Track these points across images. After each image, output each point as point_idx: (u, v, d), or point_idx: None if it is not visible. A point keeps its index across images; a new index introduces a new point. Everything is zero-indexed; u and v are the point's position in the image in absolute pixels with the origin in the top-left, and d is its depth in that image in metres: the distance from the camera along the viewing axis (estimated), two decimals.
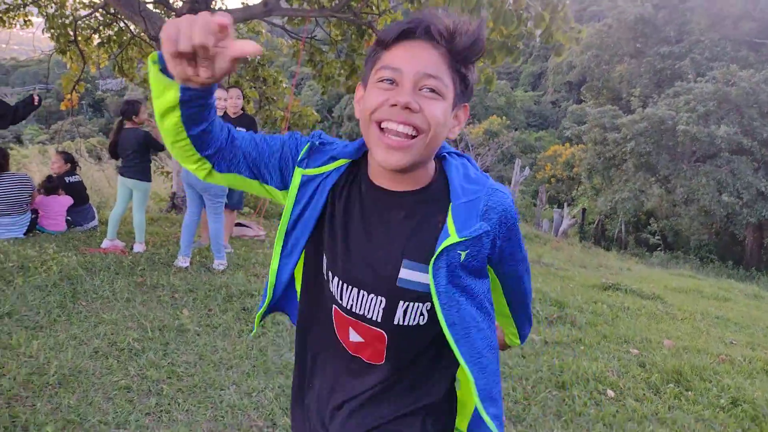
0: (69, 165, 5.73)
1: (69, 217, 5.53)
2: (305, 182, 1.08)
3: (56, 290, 3.75)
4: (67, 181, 5.60)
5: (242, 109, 5.56)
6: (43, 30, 9.55)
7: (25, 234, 5.01)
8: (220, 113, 4.74)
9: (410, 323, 1.06)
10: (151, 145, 5.13)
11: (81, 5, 10.26)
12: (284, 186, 1.12)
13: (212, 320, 3.73)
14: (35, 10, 9.86)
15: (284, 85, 10.76)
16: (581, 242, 15.03)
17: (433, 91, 0.96)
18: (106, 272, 4.26)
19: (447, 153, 1.09)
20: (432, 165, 1.07)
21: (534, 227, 15.30)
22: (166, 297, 4.03)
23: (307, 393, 1.22)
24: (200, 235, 5.69)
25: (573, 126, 24.45)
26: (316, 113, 11.10)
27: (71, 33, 9.48)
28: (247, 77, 10.40)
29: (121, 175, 5.20)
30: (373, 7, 8.31)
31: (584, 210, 18.82)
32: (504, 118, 31.96)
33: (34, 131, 32.15)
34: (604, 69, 28.65)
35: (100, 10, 9.42)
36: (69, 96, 10.32)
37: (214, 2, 8.39)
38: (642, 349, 4.47)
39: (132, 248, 5.15)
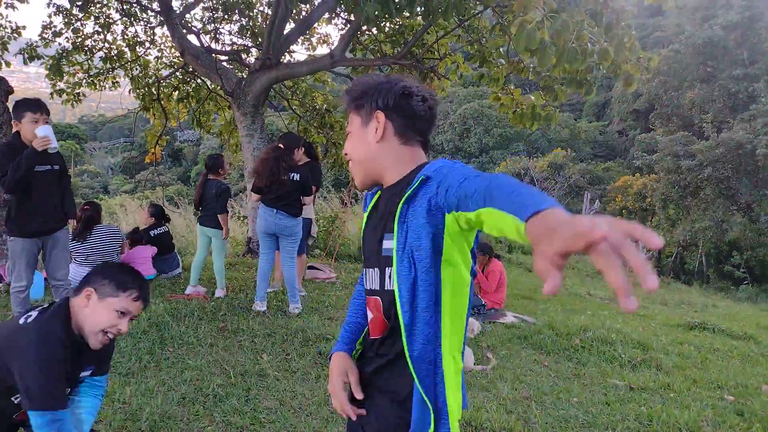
0: (153, 219, 6.14)
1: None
2: None
3: (145, 337, 3.96)
4: (152, 234, 5.98)
5: (309, 156, 5.76)
6: (129, 90, 10.36)
7: None
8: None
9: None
10: (223, 198, 5.34)
11: (163, 66, 11.12)
12: None
13: (291, 365, 3.81)
14: (122, 72, 10.73)
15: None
16: (660, 277, 14.26)
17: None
18: (190, 318, 4.47)
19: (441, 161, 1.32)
20: (404, 168, 1.38)
21: None
22: (246, 342, 4.17)
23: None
24: (273, 278, 5.88)
25: (643, 155, 23.59)
26: None
27: (154, 92, 10.24)
28: (315, 124, 10.81)
29: (201, 224, 5.48)
30: (435, 52, 8.50)
31: None
32: (569, 150, 31.32)
33: (119, 181, 34.48)
34: (673, 95, 27.67)
35: (180, 69, 10.16)
36: (153, 150, 11.12)
37: (283, 57, 8.88)
38: (738, 395, 4.16)
39: (213, 293, 5.39)
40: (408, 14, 5.26)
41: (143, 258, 5.64)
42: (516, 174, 26.00)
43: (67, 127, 58.70)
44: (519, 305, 7.10)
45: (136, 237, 5.94)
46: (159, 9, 8.80)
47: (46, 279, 4.55)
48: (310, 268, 6.82)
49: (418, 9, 5.48)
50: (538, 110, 7.51)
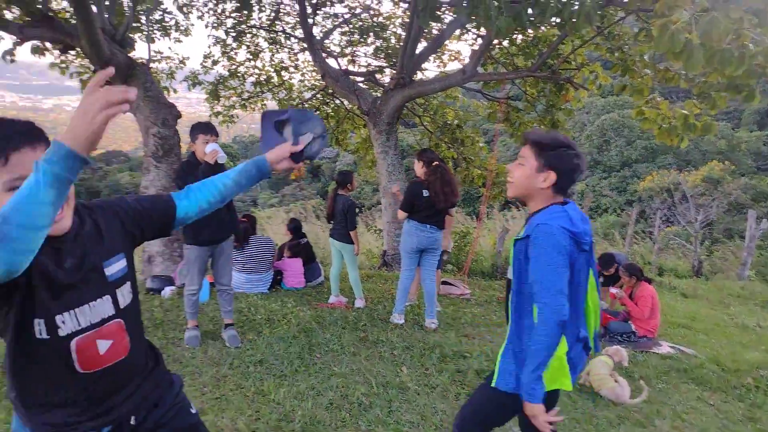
0: (291, 234, 6.59)
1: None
2: None
3: (296, 342, 4.19)
4: (301, 243, 6.40)
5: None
6: None
7: (269, 289, 5.79)
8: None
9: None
10: (351, 214, 5.48)
11: (306, 88, 11.90)
12: None
13: (430, 380, 3.79)
14: (269, 95, 11.64)
15: (480, 145, 10.98)
16: None
17: None
18: (334, 326, 4.66)
19: None
20: (542, 204, 2.01)
21: None
22: (386, 353, 4.24)
23: None
24: (409, 292, 5.94)
25: None
26: None
27: None
28: (446, 139, 10.85)
29: (331, 236, 5.68)
30: (571, 62, 8.12)
31: None
32: (727, 163, 28.13)
33: (266, 196, 37.40)
34: None
35: (321, 91, 10.80)
36: (297, 167, 11.90)
37: (416, 75, 9.05)
38: None
39: (353, 303, 5.58)
40: (540, 25, 5.07)
41: (297, 269, 6.03)
42: (665, 190, 23.87)
43: (222, 147, 65.19)
44: (675, 334, 6.44)
45: (296, 249, 6.38)
46: (302, 36, 9.41)
47: (212, 284, 5.03)
48: (444, 283, 6.79)
49: (552, 20, 5.27)
50: (692, 120, 6.82)
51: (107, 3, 7.20)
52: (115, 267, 1.42)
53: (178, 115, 7.53)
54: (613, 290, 6.04)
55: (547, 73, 7.86)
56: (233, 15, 10.34)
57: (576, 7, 4.81)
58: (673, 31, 3.87)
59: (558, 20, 5.34)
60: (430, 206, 4.93)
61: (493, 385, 1.94)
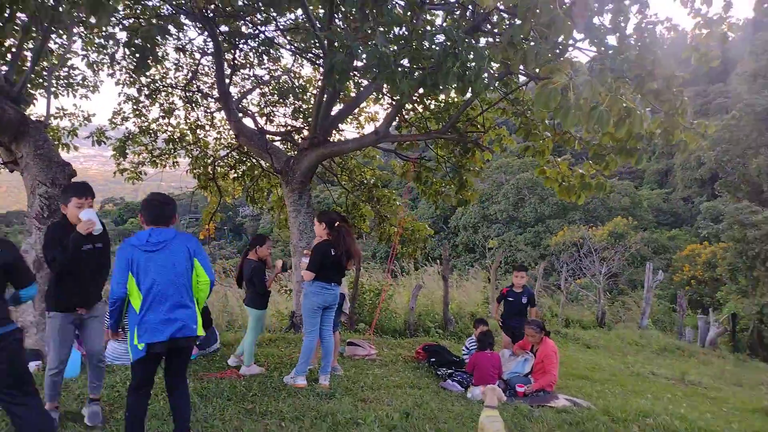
0: None
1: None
2: None
3: (170, 420, 3.88)
4: None
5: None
6: (187, 171, 10.95)
7: None
8: None
9: None
10: (254, 280, 5.41)
11: (221, 147, 11.75)
12: None
13: None
14: (182, 152, 11.37)
15: (398, 203, 11.19)
16: (734, 354, 13.06)
17: None
18: (218, 399, 4.40)
19: None
20: None
21: (676, 337, 13.65)
22: (273, 426, 4.04)
23: None
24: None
25: (709, 225, 22.40)
26: (428, 228, 11.30)
27: (210, 171, 10.77)
28: (363, 198, 10.98)
29: (243, 301, 5.58)
30: (478, 125, 8.56)
31: (734, 315, 16.53)
32: (630, 218, 30.23)
33: None
34: (738, 162, 26.49)
35: (236, 149, 10.72)
36: (207, 226, 11.60)
37: (332, 136, 9.20)
38: None
39: (240, 370, 5.35)
40: (442, 89, 5.35)
41: None
42: (573, 244, 25.16)
43: (136, 206, 62.72)
44: (573, 386, 6.63)
45: None
46: (218, 96, 9.37)
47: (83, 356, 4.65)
48: (350, 344, 6.68)
49: (453, 85, 5.57)
50: (587, 179, 7.34)
51: (8, 58, 6.88)
52: None
53: (72, 174, 7.16)
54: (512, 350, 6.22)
55: (454, 135, 8.24)
56: (148, 74, 10.19)
57: (475, 73, 5.08)
58: (550, 90, 4.16)
59: (459, 84, 5.65)
60: (337, 264, 5.08)
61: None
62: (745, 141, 25.90)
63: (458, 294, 12.47)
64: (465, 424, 4.45)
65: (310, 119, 10.37)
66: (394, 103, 8.46)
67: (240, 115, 9.24)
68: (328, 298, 5.11)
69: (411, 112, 9.74)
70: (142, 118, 10.65)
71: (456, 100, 9.00)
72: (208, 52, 9.55)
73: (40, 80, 9.09)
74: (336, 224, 5.17)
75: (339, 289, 5.22)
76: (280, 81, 10.75)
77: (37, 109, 9.05)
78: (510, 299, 6.94)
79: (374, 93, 9.05)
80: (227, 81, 9.05)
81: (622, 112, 4.88)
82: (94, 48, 9.45)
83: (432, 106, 9.42)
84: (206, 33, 8.37)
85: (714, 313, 15.41)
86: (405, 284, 12.37)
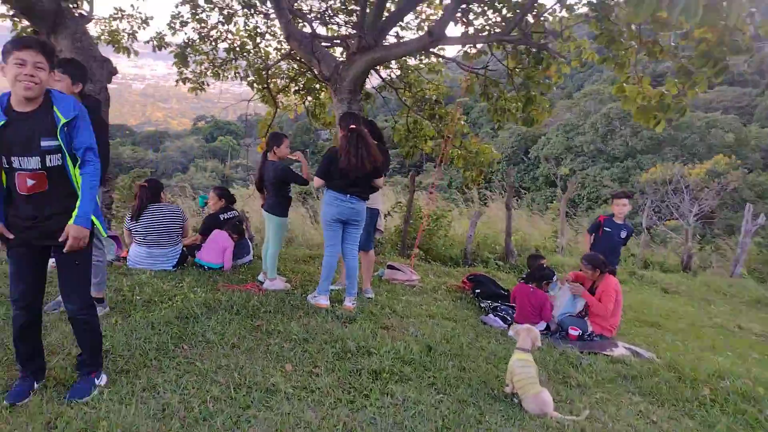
0: (223, 201, 5.86)
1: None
2: None
3: (166, 329, 3.57)
4: (221, 218, 5.71)
5: (375, 139, 5.09)
6: (241, 78, 10.51)
7: (174, 267, 5.14)
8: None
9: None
10: (289, 179, 4.95)
11: (282, 57, 11.15)
12: None
13: (312, 382, 3.17)
14: (244, 62, 10.89)
15: (462, 123, 10.25)
16: None
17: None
18: (225, 312, 4.03)
19: None
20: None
21: None
22: (275, 346, 3.61)
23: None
24: (339, 274, 5.35)
25: None
26: (495, 151, 10.36)
27: (265, 78, 10.23)
28: (424, 116, 10.13)
29: (262, 208, 5.15)
30: (543, 30, 7.34)
31: None
32: (733, 157, 27.14)
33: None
34: None
35: (287, 57, 10.08)
36: (263, 139, 11.23)
37: (385, 40, 8.30)
38: None
39: (263, 283, 4.98)
40: None
41: (213, 244, 5.33)
42: (665, 182, 22.99)
43: (226, 124, 64.54)
44: (639, 334, 5.79)
45: (205, 226, 5.69)
46: None
47: None
48: (390, 267, 6.16)
49: None
50: (668, 100, 6.12)
51: None
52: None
53: (113, 72, 6.89)
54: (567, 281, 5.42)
55: (521, 38, 7.12)
56: None
57: None
58: None
59: None
60: (345, 175, 4.45)
61: None
62: None
63: (526, 226, 11.58)
64: (496, 365, 3.84)
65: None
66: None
67: (290, 17, 8.51)
68: (343, 210, 4.55)
69: (476, 15, 8.53)
70: (202, 24, 10.21)
71: None
72: None
73: None
74: (350, 127, 4.49)
75: (361, 203, 4.61)
76: None
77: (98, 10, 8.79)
78: (606, 229, 5.93)
79: None
80: None
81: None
82: None
83: (501, 7, 8.09)
84: None
85: None
86: (466, 213, 11.63)
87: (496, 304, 5.51)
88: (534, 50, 7.51)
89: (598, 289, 5.20)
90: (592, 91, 33.00)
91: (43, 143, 2.47)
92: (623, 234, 5.87)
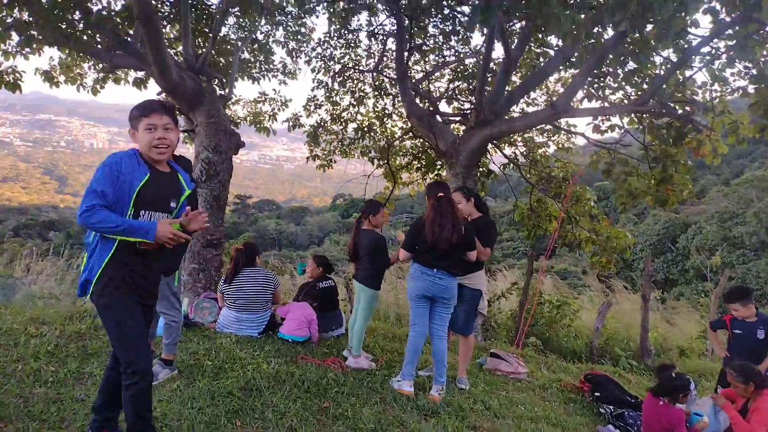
0: (321, 269, 5.70)
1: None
2: None
3: (224, 401, 3.31)
4: (318, 287, 5.52)
5: (480, 211, 4.67)
6: (361, 152, 10.80)
7: (260, 333, 4.97)
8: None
9: None
10: (381, 250, 4.67)
11: (401, 130, 11.35)
12: None
13: None
14: (369, 141, 11.22)
15: (591, 203, 9.42)
16: None
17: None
18: (293, 388, 3.69)
19: None
20: None
21: None
22: None
23: None
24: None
25: None
26: (629, 236, 9.31)
27: (385, 152, 10.36)
28: (550, 194, 9.48)
29: (354, 278, 4.88)
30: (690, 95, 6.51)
31: None
32: None
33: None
34: None
35: (408, 133, 10.21)
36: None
37: (507, 114, 7.98)
38: None
39: (346, 360, 4.60)
40: (618, 24, 3.92)
41: (295, 316, 5.09)
42: None
43: (360, 201, 67.69)
44: None
45: (302, 292, 5.53)
46: (396, 75, 8.92)
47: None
48: (493, 355, 5.49)
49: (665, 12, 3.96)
50: None
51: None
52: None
53: (240, 145, 7.34)
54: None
55: (660, 107, 6.36)
56: (341, 60, 10.31)
57: None
58: None
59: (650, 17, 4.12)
60: (432, 248, 4.06)
61: None
62: None
63: (666, 322, 10.07)
64: None
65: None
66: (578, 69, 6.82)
67: (413, 94, 8.62)
68: (429, 286, 4.13)
69: (612, 91, 7.90)
70: (335, 106, 10.81)
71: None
72: (394, 32, 9.16)
73: (246, 67, 9.81)
74: (438, 195, 4.15)
75: (450, 279, 4.14)
76: (464, 62, 9.90)
77: (241, 92, 9.72)
78: (737, 332, 4.81)
79: (561, 67, 7.52)
80: (405, 60, 8.54)
81: None
82: (292, 36, 9.90)
83: (626, 71, 7.29)
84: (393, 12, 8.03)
85: None
86: (598, 302, 10.44)
87: (620, 410, 4.56)
88: (676, 123, 6.70)
89: (752, 407, 4.08)
90: (755, 177, 29.43)
91: (171, 205, 2.62)
92: (760, 333, 4.64)
